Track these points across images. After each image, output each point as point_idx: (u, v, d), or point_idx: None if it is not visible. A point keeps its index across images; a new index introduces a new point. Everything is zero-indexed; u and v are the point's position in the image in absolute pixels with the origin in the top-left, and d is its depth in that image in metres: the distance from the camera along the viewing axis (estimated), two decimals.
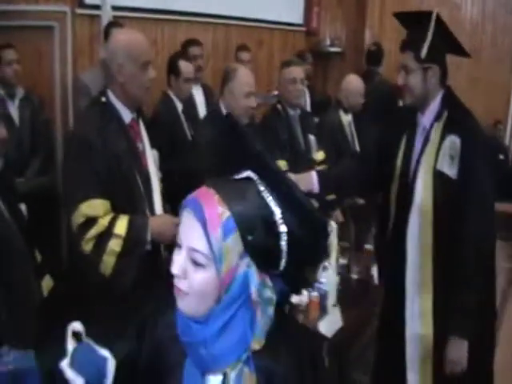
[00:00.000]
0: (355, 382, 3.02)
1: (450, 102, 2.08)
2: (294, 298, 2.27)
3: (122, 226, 1.99)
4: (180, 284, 0.99)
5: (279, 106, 3.42)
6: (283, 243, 0.97)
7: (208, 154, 2.23)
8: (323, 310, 2.41)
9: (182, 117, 3.68)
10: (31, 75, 3.87)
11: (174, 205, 2.12)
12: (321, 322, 2.35)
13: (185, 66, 3.69)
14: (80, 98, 3.67)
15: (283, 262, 0.99)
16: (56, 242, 3.89)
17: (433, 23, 1.98)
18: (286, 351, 1.02)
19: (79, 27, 4.02)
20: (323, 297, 2.45)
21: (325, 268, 2.65)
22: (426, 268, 2.05)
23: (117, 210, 2.04)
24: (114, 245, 1.98)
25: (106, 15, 3.89)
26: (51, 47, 3.96)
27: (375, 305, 2.62)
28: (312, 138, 3.54)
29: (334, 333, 2.31)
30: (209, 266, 0.96)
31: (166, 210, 2.28)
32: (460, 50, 2.12)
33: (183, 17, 4.82)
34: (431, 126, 2.06)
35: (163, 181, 2.35)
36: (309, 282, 2.73)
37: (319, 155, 3.58)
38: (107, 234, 1.98)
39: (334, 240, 2.47)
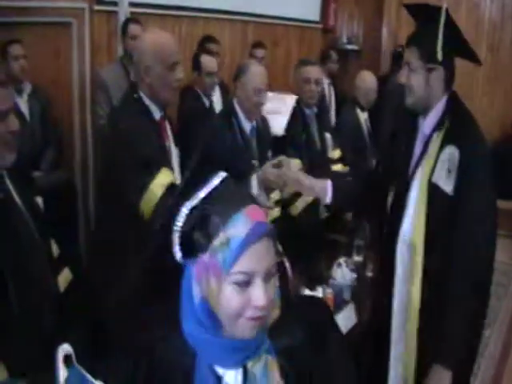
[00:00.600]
0: None
1: (454, 108, 1.89)
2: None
3: None
4: (263, 311, 0.93)
5: (295, 105, 3.40)
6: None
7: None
8: (337, 307, 2.40)
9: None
10: (49, 71, 3.91)
11: None
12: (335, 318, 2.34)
13: (207, 61, 3.71)
14: (97, 93, 3.72)
15: None
16: (74, 236, 3.93)
17: (442, 19, 1.79)
18: (298, 327, 1.02)
19: (97, 23, 4.06)
20: (338, 293, 2.45)
21: (339, 265, 2.65)
22: (413, 294, 1.88)
23: None
24: None
25: (124, 11, 3.94)
26: (69, 43, 3.99)
27: None
28: (328, 136, 3.53)
29: (348, 329, 2.31)
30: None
31: None
32: (470, 54, 1.91)
33: (200, 13, 4.84)
34: (431, 135, 1.88)
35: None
36: (323, 279, 2.72)
37: (335, 153, 3.56)
38: None
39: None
